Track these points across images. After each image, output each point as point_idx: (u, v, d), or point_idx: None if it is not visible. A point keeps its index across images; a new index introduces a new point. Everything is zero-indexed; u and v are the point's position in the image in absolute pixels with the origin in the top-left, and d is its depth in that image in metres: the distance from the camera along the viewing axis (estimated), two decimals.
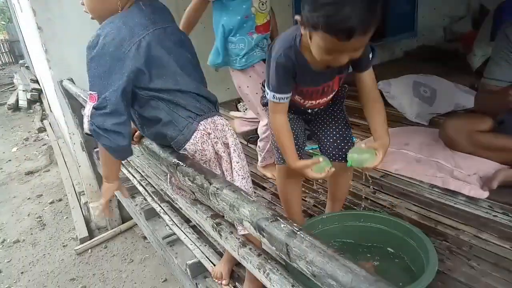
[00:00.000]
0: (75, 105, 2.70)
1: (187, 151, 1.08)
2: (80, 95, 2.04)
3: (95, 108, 1.04)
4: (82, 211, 3.43)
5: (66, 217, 3.54)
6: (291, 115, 1.33)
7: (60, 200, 3.88)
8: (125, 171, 2.38)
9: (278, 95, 1.16)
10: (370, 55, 1.19)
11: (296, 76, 1.16)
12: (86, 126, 1.07)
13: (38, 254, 3.06)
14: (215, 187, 0.81)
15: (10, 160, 5.21)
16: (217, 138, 1.11)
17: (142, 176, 2.21)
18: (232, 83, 2.00)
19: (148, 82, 1.06)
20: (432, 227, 1.57)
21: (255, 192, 2.04)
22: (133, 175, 2.26)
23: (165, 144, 1.14)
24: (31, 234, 3.36)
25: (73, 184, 3.90)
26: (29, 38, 5.27)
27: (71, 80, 2.74)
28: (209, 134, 1.10)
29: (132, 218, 3.10)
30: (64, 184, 4.03)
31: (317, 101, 1.31)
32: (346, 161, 1.22)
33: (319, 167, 1.16)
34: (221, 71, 1.99)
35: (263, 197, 1.86)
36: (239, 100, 3.13)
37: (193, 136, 1.07)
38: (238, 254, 0.95)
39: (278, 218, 0.68)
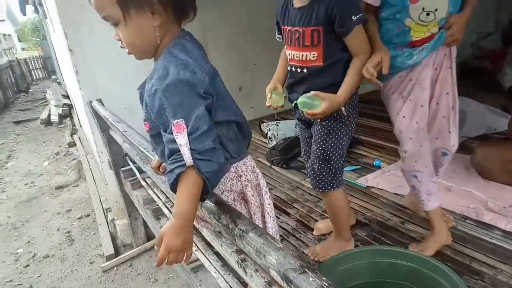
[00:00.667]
0: (104, 125, 2.78)
1: (215, 190, 1.08)
2: (108, 119, 2.09)
3: (189, 134, 0.92)
4: (108, 227, 3.50)
5: (93, 233, 3.62)
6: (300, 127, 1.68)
7: (88, 215, 3.98)
8: (150, 192, 2.42)
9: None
10: (354, 17, 1.30)
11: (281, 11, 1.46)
12: (187, 158, 0.90)
13: (66, 270, 3.14)
14: (240, 229, 0.81)
15: (41, 174, 5.41)
16: (248, 181, 1.11)
17: (167, 197, 2.24)
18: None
19: (213, 116, 0.99)
20: (466, 264, 1.50)
21: (278, 218, 2.02)
22: (158, 197, 2.30)
23: None
24: (60, 249, 3.46)
25: (100, 200, 4.00)
26: (61, 57, 5.50)
27: (100, 101, 2.83)
28: (240, 176, 1.10)
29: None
30: (92, 200, 4.14)
31: (293, 54, 1.45)
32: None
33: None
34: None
35: (287, 223, 1.83)
36: (262, 120, 3.14)
37: (223, 177, 1.07)
38: None
39: (306, 269, 0.67)
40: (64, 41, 2.99)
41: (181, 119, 0.91)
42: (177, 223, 0.93)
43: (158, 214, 2.23)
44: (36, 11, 12.91)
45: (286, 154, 2.54)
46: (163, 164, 1.31)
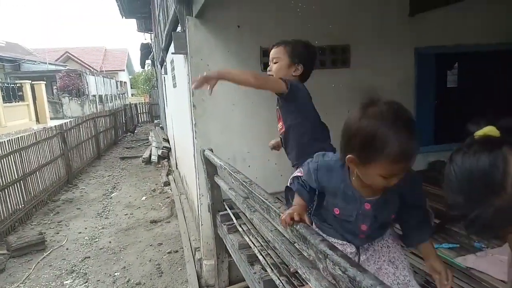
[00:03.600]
0: (210, 171, 3.15)
1: None
2: (226, 168, 2.40)
3: None
4: (195, 266, 3.76)
5: (180, 269, 3.91)
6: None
7: (177, 251, 4.32)
8: (246, 238, 2.63)
9: None
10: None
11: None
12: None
13: None
14: (369, 282, 0.94)
15: (139, 208, 6.04)
16: None
17: (262, 245, 2.43)
18: None
19: None
20: None
21: None
22: (253, 243, 2.49)
23: None
24: (150, 279, 3.79)
25: (189, 239, 4.33)
26: (175, 108, 6.32)
27: (211, 150, 3.24)
28: None
29: (239, 282, 3.30)
30: (182, 238, 4.50)
31: None
32: None
33: None
34: None
35: None
36: None
37: None
38: None
39: None
40: (188, 98, 3.54)
41: None
42: None
43: (252, 260, 2.40)
44: (153, 65, 14.94)
45: None
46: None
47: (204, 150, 3.20)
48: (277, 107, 1.99)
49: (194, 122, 3.47)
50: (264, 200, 1.64)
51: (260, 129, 3.65)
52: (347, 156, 1.12)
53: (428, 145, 4.29)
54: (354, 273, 0.99)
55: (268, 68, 1.96)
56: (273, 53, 1.95)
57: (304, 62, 1.90)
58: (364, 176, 1.15)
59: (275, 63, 1.92)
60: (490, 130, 0.89)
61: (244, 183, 1.94)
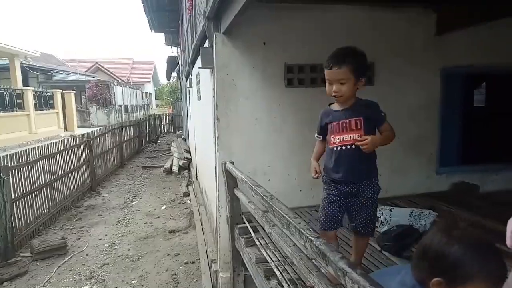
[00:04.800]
0: (231, 184, 3.18)
1: None
2: (247, 181, 2.43)
3: None
4: (211, 278, 3.77)
5: (196, 280, 3.93)
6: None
7: (193, 262, 4.34)
8: (263, 252, 2.63)
9: None
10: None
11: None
12: None
13: None
14: None
15: (158, 217, 6.13)
16: None
17: (279, 260, 2.42)
18: None
19: None
20: None
21: None
22: (270, 258, 2.49)
23: None
24: None
25: (206, 251, 4.35)
26: (198, 121, 6.43)
27: (232, 163, 3.27)
28: None
29: None
30: (199, 249, 4.53)
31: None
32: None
33: None
34: None
35: None
36: None
37: None
38: None
39: None
40: (212, 111, 3.62)
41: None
42: None
43: (269, 274, 2.40)
44: (178, 78, 15.28)
45: (400, 241, 2.54)
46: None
47: (225, 163, 3.24)
48: (345, 120, 2.02)
49: (217, 135, 3.53)
50: (284, 215, 1.65)
51: (283, 144, 3.68)
52: (434, 279, 1.09)
53: (453, 165, 4.20)
54: None
55: (335, 89, 1.95)
56: (337, 74, 1.92)
57: (365, 73, 2.02)
58: None
59: (342, 83, 1.93)
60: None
61: (264, 197, 1.96)
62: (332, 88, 1.97)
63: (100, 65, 28.93)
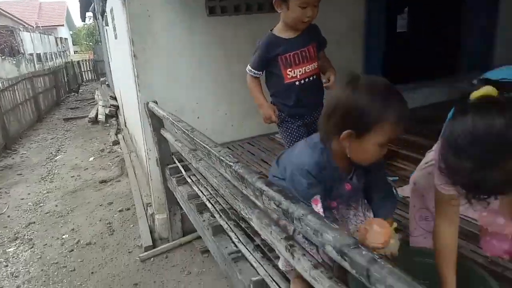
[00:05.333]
0: (156, 125, 3.01)
1: None
2: (169, 118, 2.29)
3: None
4: (148, 221, 3.71)
5: (133, 225, 3.84)
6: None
7: (128, 209, 4.22)
8: (195, 188, 2.59)
9: None
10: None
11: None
12: None
13: (106, 257, 3.35)
14: (301, 212, 0.93)
15: (87, 168, 5.77)
16: None
17: (211, 193, 2.40)
18: None
19: None
20: (499, 272, 1.52)
21: None
22: (202, 193, 2.46)
23: None
24: (101, 238, 3.69)
25: (141, 196, 4.23)
26: (118, 62, 5.91)
27: (156, 102, 3.07)
28: None
29: (192, 233, 3.30)
30: (133, 195, 4.38)
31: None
32: None
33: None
34: None
35: None
36: None
37: None
38: (310, 275, 1.05)
39: (360, 246, 0.78)
40: (129, 47, 3.28)
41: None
42: None
43: (201, 208, 2.38)
44: (95, 18, 13.80)
45: None
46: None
47: (148, 103, 3.03)
48: (304, 48, 1.80)
49: (136, 74, 3.25)
50: (205, 145, 1.57)
51: (209, 79, 3.51)
52: (344, 132, 1.11)
53: None
54: (287, 205, 0.98)
55: (311, 14, 1.72)
56: None
57: None
58: (357, 150, 1.15)
59: (315, 5, 1.72)
60: (488, 90, 0.87)
61: (186, 131, 1.85)
62: (306, 13, 1.70)
63: (0, 8, 24.85)
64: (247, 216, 1.45)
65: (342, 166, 1.25)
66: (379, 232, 1.15)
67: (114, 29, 5.21)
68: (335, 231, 0.84)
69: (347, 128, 1.11)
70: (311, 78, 1.83)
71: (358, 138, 1.11)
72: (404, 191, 2.25)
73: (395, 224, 1.29)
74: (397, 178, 2.50)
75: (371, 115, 1.07)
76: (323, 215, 1.17)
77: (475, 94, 0.88)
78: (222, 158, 1.37)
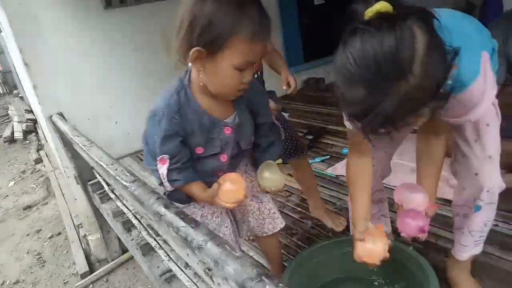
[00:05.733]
0: (66, 139, 2.68)
1: None
2: (68, 133, 2.01)
3: None
4: (81, 244, 3.38)
5: (66, 251, 3.49)
6: None
7: (59, 233, 3.83)
8: (119, 204, 2.35)
9: None
10: None
11: None
12: None
13: None
14: (198, 241, 0.78)
15: (7, 196, 5.16)
16: None
17: (136, 208, 2.18)
18: None
19: None
20: (432, 242, 1.53)
21: None
22: (127, 208, 2.23)
23: None
24: (31, 272, 3.31)
25: (71, 217, 3.86)
26: (20, 72, 5.27)
27: (61, 114, 2.73)
28: None
29: None
30: (63, 217, 3.99)
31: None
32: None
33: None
34: None
35: None
36: None
37: None
38: None
39: (263, 277, 0.65)
40: (19, 56, 2.85)
41: None
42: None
43: (128, 226, 2.16)
44: None
45: None
46: None
47: (51, 116, 2.69)
48: None
49: (32, 84, 2.85)
50: (101, 163, 1.35)
51: (121, 79, 3.20)
52: (193, 50, 0.91)
53: (298, 64, 4.35)
54: (186, 232, 0.82)
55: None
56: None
57: None
58: (214, 75, 0.96)
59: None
60: (382, 6, 0.74)
61: (83, 147, 1.60)
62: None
63: None
64: (164, 237, 1.28)
65: (208, 106, 1.05)
66: (230, 190, 1.02)
67: (6, 35, 4.59)
68: (237, 261, 0.70)
69: (194, 46, 0.92)
70: None
71: (211, 59, 0.94)
72: (336, 170, 2.19)
73: (384, 228, 1.16)
74: (328, 156, 2.43)
75: (219, 27, 0.90)
76: (166, 179, 1.05)
77: (368, 13, 0.76)
78: (118, 177, 1.17)
